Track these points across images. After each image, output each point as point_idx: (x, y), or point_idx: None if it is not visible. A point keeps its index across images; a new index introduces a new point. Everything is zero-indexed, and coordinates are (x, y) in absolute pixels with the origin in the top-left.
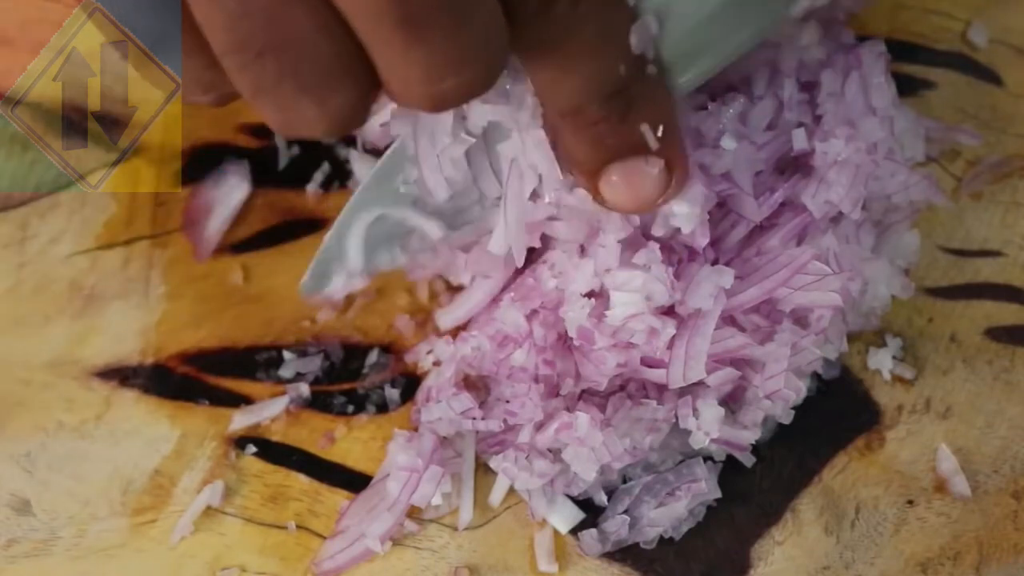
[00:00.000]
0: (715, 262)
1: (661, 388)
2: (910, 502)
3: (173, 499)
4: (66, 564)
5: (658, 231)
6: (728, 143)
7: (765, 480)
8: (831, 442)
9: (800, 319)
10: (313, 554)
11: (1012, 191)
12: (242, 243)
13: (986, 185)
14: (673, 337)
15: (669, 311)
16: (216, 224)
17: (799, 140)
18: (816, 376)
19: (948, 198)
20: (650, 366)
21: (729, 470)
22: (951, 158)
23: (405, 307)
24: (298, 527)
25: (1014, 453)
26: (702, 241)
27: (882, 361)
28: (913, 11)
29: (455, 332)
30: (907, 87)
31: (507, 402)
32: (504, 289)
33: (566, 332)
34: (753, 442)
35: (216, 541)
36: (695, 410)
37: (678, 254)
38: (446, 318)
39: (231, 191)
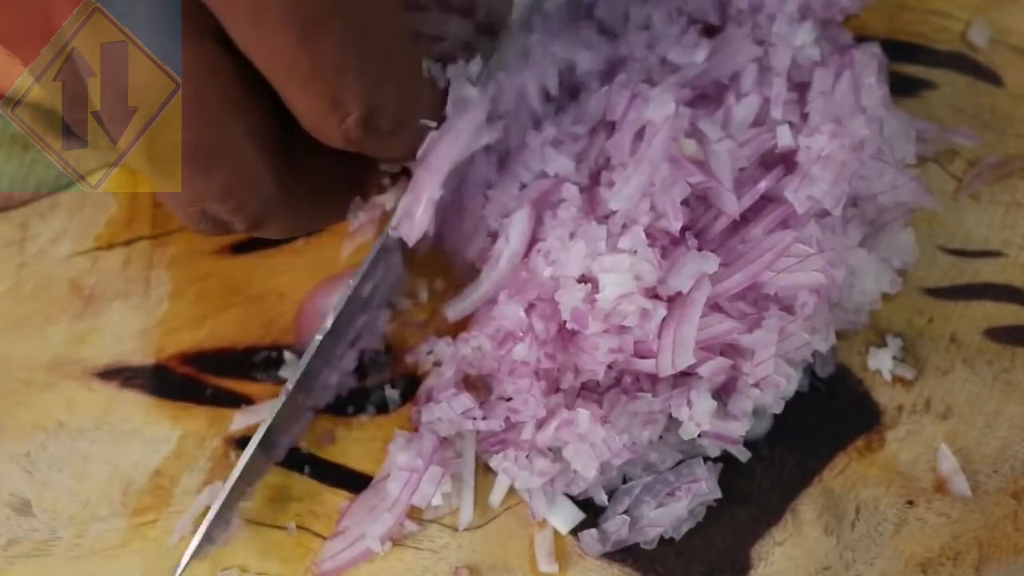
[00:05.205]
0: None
1: (655, 380)
2: (910, 502)
3: (173, 499)
4: (66, 564)
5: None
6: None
7: (765, 480)
8: (831, 442)
9: (786, 307)
10: (313, 554)
11: (1012, 191)
12: (242, 243)
13: (986, 185)
14: (662, 325)
15: (659, 298)
16: None
17: (783, 136)
18: (815, 375)
19: (942, 199)
20: (642, 356)
21: (729, 470)
22: (950, 158)
23: (405, 307)
24: (298, 527)
25: (1014, 453)
26: (676, 225)
27: (882, 361)
28: (913, 11)
29: (455, 332)
30: (907, 87)
31: (509, 400)
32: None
33: (564, 323)
34: (743, 434)
35: None
36: (688, 401)
37: (660, 241)
38: (453, 309)
39: None
